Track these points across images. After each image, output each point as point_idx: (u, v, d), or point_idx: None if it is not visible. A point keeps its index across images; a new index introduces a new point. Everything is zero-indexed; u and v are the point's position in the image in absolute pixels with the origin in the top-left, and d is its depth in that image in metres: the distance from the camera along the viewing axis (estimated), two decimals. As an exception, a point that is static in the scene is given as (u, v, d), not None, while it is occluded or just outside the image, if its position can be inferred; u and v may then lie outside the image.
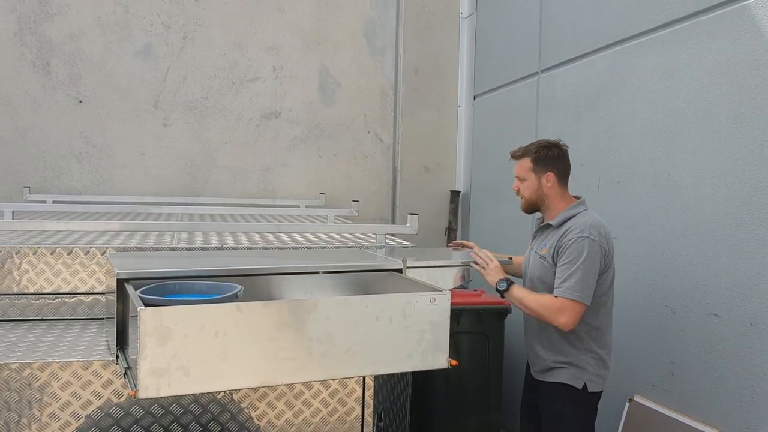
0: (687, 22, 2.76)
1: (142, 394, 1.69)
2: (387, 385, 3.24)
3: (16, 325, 2.52)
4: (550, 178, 2.53)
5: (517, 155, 2.60)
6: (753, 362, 2.40)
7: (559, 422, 2.51)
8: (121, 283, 2.00)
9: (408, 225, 3.00)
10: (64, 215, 3.71)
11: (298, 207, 4.65)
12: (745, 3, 2.48)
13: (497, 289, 2.51)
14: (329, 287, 2.31)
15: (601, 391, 2.52)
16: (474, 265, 2.65)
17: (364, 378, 2.38)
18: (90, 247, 2.64)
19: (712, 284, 2.60)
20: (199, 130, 4.67)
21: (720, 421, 2.54)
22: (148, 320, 1.67)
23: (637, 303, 3.00)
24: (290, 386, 2.30)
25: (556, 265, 2.43)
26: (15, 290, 2.57)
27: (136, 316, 1.68)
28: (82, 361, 2.10)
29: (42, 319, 2.59)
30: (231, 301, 1.90)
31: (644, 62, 3.01)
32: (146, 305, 1.72)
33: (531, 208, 2.62)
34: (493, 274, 2.57)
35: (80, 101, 4.45)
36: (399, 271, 2.33)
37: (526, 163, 2.56)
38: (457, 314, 3.46)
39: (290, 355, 1.81)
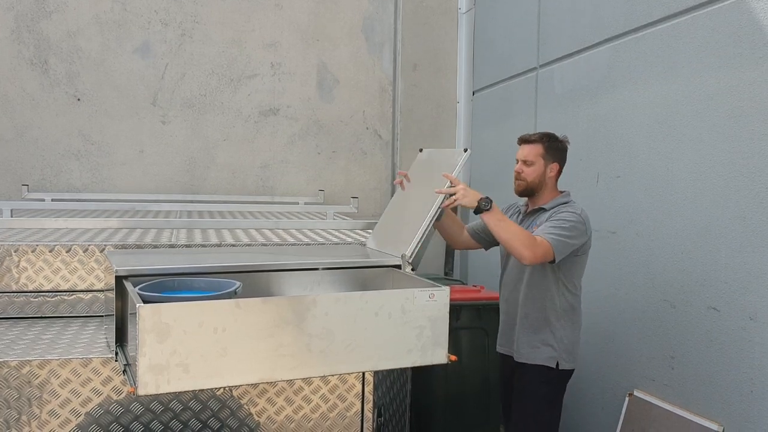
0: (686, 16, 2.76)
1: (141, 391, 1.69)
2: (386, 381, 3.24)
3: (15, 322, 2.52)
4: (554, 168, 2.65)
5: (531, 139, 2.68)
6: (752, 356, 2.41)
7: (531, 400, 2.64)
8: (119, 280, 2.00)
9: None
10: (62, 213, 3.71)
11: (297, 204, 4.65)
12: (743, -4, 2.47)
13: (480, 208, 2.42)
14: (328, 284, 2.31)
15: (573, 369, 2.65)
16: (446, 201, 2.42)
17: (363, 374, 2.39)
18: (89, 245, 2.64)
19: (711, 278, 2.60)
20: (197, 127, 4.66)
21: (720, 414, 2.54)
22: (147, 317, 1.67)
23: (637, 297, 3.00)
24: (290, 382, 2.30)
25: None
26: (14, 288, 2.57)
27: (135, 313, 1.68)
28: (82, 358, 2.10)
29: (41, 317, 2.59)
30: (230, 298, 1.90)
31: (643, 57, 3.01)
32: (145, 302, 1.72)
33: (528, 192, 2.68)
34: (471, 195, 2.42)
35: (78, 99, 4.44)
36: (398, 267, 2.33)
37: (538, 148, 2.65)
38: (456, 310, 3.46)
39: (290, 351, 1.81)
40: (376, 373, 2.48)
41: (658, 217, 2.88)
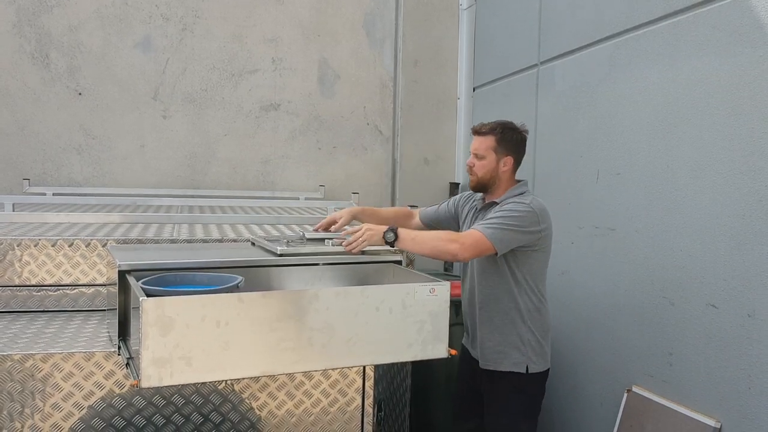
0: (686, 14, 2.76)
1: (145, 384, 1.71)
2: (387, 376, 3.26)
3: (18, 316, 2.53)
4: (508, 162, 2.52)
5: (481, 131, 2.54)
6: (751, 353, 2.42)
7: (504, 413, 2.53)
8: (122, 274, 2.02)
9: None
10: (64, 207, 3.72)
11: (298, 199, 4.66)
12: (744, -6, 2.48)
13: (387, 242, 2.31)
14: (329, 279, 2.32)
15: (548, 369, 2.57)
16: (348, 246, 2.29)
17: (364, 368, 2.40)
18: (91, 239, 2.65)
19: (710, 276, 2.61)
20: (198, 122, 4.67)
21: (717, 411, 2.56)
22: (151, 310, 1.69)
23: (636, 294, 3.01)
24: (291, 376, 2.31)
25: None
26: (17, 282, 2.58)
27: (138, 306, 1.70)
28: (85, 352, 2.11)
29: (43, 311, 2.61)
30: (232, 292, 1.91)
31: (643, 54, 3.02)
32: (148, 296, 1.73)
33: (481, 187, 2.57)
34: (374, 231, 2.30)
35: (80, 93, 4.45)
36: (399, 262, 2.34)
37: (489, 141, 2.51)
38: (456, 305, 3.47)
39: (291, 345, 1.83)
40: (376, 368, 2.50)
41: (658, 214, 2.89)
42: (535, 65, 3.98)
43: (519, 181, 2.59)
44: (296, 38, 4.84)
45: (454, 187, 5.05)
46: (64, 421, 2.09)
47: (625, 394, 3.01)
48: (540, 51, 3.93)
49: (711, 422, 2.56)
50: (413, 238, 2.32)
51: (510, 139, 2.52)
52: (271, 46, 4.80)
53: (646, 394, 2.90)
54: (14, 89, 4.33)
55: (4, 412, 2.04)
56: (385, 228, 2.30)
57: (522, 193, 2.51)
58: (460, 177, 5.08)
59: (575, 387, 3.41)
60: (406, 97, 5.08)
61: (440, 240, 2.33)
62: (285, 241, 2.38)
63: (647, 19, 2.99)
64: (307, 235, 2.46)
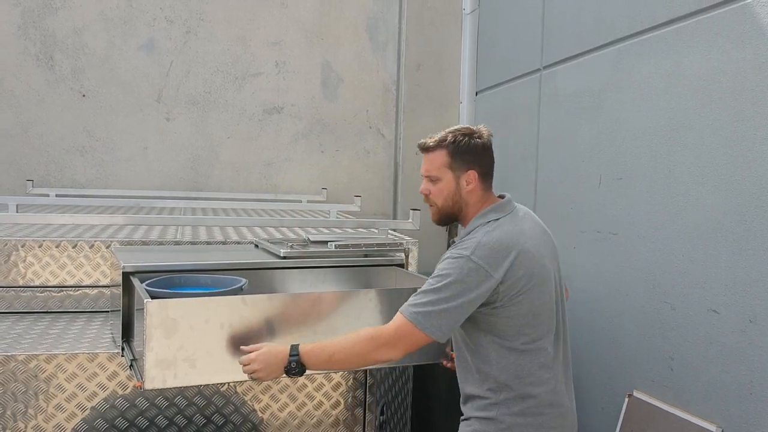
0: (690, 20, 2.77)
1: (149, 385, 1.72)
2: (389, 379, 3.26)
3: (22, 317, 2.54)
4: (471, 178, 1.89)
5: (428, 146, 1.93)
6: (752, 358, 2.42)
7: None
8: (126, 276, 2.03)
9: (410, 221, 3.02)
10: (68, 209, 3.73)
11: (300, 202, 4.67)
12: (746, 2, 2.49)
13: (292, 372, 1.72)
14: (332, 281, 2.33)
15: None
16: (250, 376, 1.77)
17: (366, 371, 2.41)
18: (94, 241, 2.66)
19: (711, 281, 2.61)
20: (201, 124, 4.68)
21: (718, 416, 2.56)
22: (155, 312, 1.70)
23: (637, 298, 3.02)
24: (293, 379, 2.32)
25: None
26: (20, 283, 2.60)
27: (143, 308, 1.71)
28: (88, 353, 2.12)
29: (47, 312, 2.61)
30: (236, 294, 1.92)
31: (647, 59, 3.02)
32: (153, 298, 1.74)
33: (446, 219, 1.94)
34: (270, 365, 1.72)
35: (83, 95, 4.46)
36: (401, 265, 2.35)
37: (441, 157, 1.90)
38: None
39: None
40: (378, 371, 2.51)
41: (660, 219, 2.90)
42: (538, 70, 3.99)
43: (501, 196, 1.97)
44: (299, 41, 4.86)
45: (456, 191, 5.05)
46: (67, 421, 2.10)
47: (626, 399, 3.01)
48: (543, 56, 3.94)
49: (712, 427, 2.56)
50: (329, 358, 1.73)
51: (467, 148, 1.90)
52: (275, 50, 4.81)
53: (647, 398, 2.90)
54: (19, 91, 4.35)
55: (8, 413, 2.05)
56: (285, 357, 1.71)
57: (488, 222, 1.83)
58: (462, 181, 5.09)
59: (576, 391, 3.40)
60: (408, 101, 5.09)
61: (360, 348, 1.72)
62: (288, 243, 2.39)
63: (650, 25, 3.00)
64: (311, 238, 2.47)
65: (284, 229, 3.33)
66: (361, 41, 5.02)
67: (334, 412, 2.37)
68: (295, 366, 1.71)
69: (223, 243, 2.84)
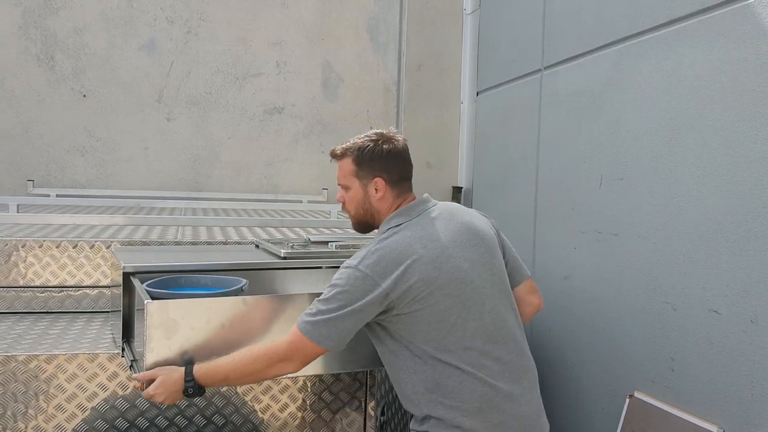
0: (691, 21, 2.77)
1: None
2: (389, 380, 3.26)
3: (22, 317, 2.54)
4: (379, 186, 1.86)
5: (335, 154, 1.94)
6: (753, 359, 2.42)
7: None
8: (127, 276, 2.03)
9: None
10: (68, 209, 3.73)
11: (301, 202, 4.67)
12: (748, 2, 2.49)
13: (190, 394, 1.71)
14: (333, 282, 2.32)
15: None
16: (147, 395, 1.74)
17: (367, 372, 2.41)
18: (95, 241, 2.66)
19: (712, 281, 2.61)
20: (202, 124, 4.68)
21: (719, 417, 2.56)
22: (155, 313, 1.70)
23: (638, 299, 3.01)
24: (294, 379, 2.32)
25: None
26: (21, 283, 2.60)
27: (143, 309, 1.70)
28: (89, 353, 2.12)
29: (47, 312, 2.61)
30: (236, 295, 1.92)
31: (648, 60, 3.02)
32: (153, 299, 1.74)
33: (361, 226, 1.95)
34: (167, 390, 1.71)
35: (84, 95, 4.46)
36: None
37: (348, 165, 1.89)
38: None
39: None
40: (379, 372, 2.50)
41: (661, 219, 2.90)
42: (539, 70, 3.99)
43: (399, 206, 1.89)
44: (300, 42, 4.86)
45: (456, 192, 5.06)
46: (67, 422, 2.10)
47: (627, 400, 3.01)
48: (544, 56, 3.94)
49: (713, 428, 2.56)
50: (224, 378, 1.73)
51: (371, 155, 1.86)
52: (275, 50, 4.81)
53: (648, 399, 2.90)
54: (19, 91, 4.35)
55: (8, 413, 2.05)
56: (181, 382, 1.70)
57: (389, 229, 1.81)
58: (463, 181, 5.09)
59: (576, 392, 3.41)
60: (409, 101, 5.09)
61: (259, 365, 1.70)
62: (289, 244, 2.39)
63: (651, 25, 2.99)
64: (311, 238, 2.47)
65: (285, 230, 3.32)
66: (362, 41, 5.02)
67: (334, 413, 2.37)
68: (192, 390, 1.70)
69: (224, 243, 2.84)
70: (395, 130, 1.95)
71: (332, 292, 1.70)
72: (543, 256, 3.74)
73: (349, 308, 1.67)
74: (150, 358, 1.71)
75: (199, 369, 1.72)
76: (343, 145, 1.92)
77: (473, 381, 1.72)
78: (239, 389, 2.26)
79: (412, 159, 1.95)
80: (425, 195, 1.92)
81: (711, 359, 2.61)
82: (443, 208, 1.90)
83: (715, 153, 2.63)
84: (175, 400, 1.72)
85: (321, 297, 1.72)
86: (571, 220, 3.49)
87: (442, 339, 1.72)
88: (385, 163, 1.86)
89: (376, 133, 1.91)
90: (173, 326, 1.73)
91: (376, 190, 1.86)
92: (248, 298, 1.84)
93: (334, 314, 1.67)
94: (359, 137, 1.92)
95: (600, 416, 3.25)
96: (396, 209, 1.87)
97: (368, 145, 1.87)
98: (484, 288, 1.80)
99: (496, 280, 1.85)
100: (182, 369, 1.71)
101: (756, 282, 2.42)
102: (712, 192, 2.64)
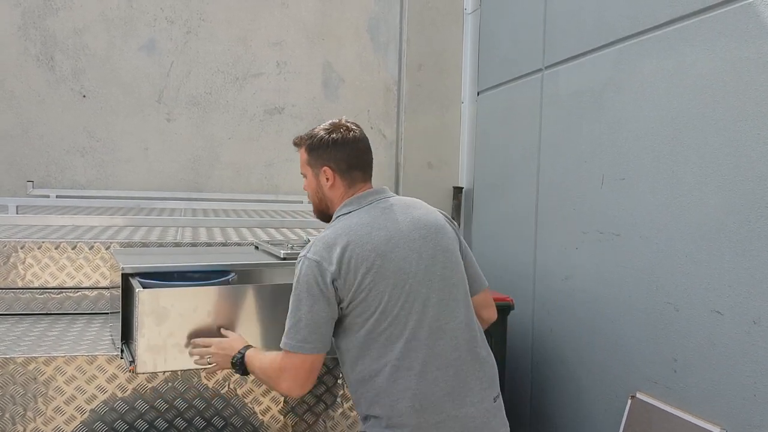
0: (692, 20, 2.76)
1: (141, 369, 1.85)
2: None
3: (21, 319, 2.53)
4: (328, 174, 1.87)
5: (295, 144, 2.00)
6: (756, 360, 2.41)
7: None
8: (126, 278, 2.02)
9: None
10: (68, 210, 3.72)
11: (301, 203, 4.66)
12: (749, 1, 2.48)
13: (235, 365, 1.86)
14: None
15: None
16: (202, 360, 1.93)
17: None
18: (94, 242, 2.65)
19: (715, 282, 2.60)
20: (202, 125, 4.67)
21: (722, 418, 2.54)
22: (146, 301, 1.81)
23: (640, 300, 3.00)
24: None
25: None
26: (19, 284, 2.58)
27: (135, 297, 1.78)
28: (87, 355, 2.11)
29: (46, 314, 2.60)
30: (224, 285, 2.01)
31: (649, 59, 3.01)
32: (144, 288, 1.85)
33: (320, 215, 1.98)
34: (223, 355, 1.89)
35: (84, 96, 4.46)
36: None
37: (302, 154, 1.94)
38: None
39: (281, 334, 1.82)
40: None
41: (663, 219, 2.89)
42: (540, 70, 3.98)
43: (345, 201, 1.88)
44: (300, 42, 4.85)
45: (457, 192, 5.04)
46: (66, 424, 2.09)
47: (629, 401, 2.99)
48: (545, 56, 3.93)
49: (715, 429, 2.55)
50: (254, 370, 1.83)
51: (319, 144, 1.88)
52: (276, 50, 4.81)
53: (650, 400, 2.89)
54: (19, 91, 4.34)
55: (7, 415, 2.04)
56: (234, 351, 1.85)
57: (338, 217, 1.85)
58: (464, 181, 5.08)
59: (578, 393, 3.40)
60: (409, 101, 5.08)
61: (269, 377, 1.77)
62: (288, 245, 2.39)
63: (652, 25, 2.98)
64: (312, 239, 2.46)
65: (285, 230, 3.31)
66: (363, 41, 5.01)
67: (334, 413, 2.36)
68: (238, 363, 1.82)
69: (224, 245, 2.83)
70: (351, 121, 1.96)
71: (294, 294, 1.71)
72: (544, 256, 3.73)
73: (311, 300, 1.67)
74: (142, 344, 1.82)
75: (249, 351, 1.84)
76: (299, 136, 1.97)
77: (409, 377, 1.68)
78: (239, 390, 2.25)
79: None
80: (383, 186, 1.92)
81: (713, 360, 2.59)
82: (399, 200, 1.89)
83: (717, 152, 2.62)
84: (222, 364, 1.87)
85: (290, 306, 1.73)
86: (573, 220, 3.48)
87: (383, 331, 1.69)
88: (333, 152, 1.87)
89: (329, 123, 1.93)
90: (163, 313, 1.83)
91: (326, 179, 1.87)
92: (233, 287, 1.95)
93: (301, 316, 1.67)
94: (314, 128, 1.95)
95: (601, 417, 3.24)
96: (348, 198, 1.87)
97: (318, 135, 1.90)
98: (432, 282, 1.76)
99: (447, 274, 1.80)
100: (242, 343, 1.87)
101: (759, 282, 2.41)
102: (714, 192, 2.62)
